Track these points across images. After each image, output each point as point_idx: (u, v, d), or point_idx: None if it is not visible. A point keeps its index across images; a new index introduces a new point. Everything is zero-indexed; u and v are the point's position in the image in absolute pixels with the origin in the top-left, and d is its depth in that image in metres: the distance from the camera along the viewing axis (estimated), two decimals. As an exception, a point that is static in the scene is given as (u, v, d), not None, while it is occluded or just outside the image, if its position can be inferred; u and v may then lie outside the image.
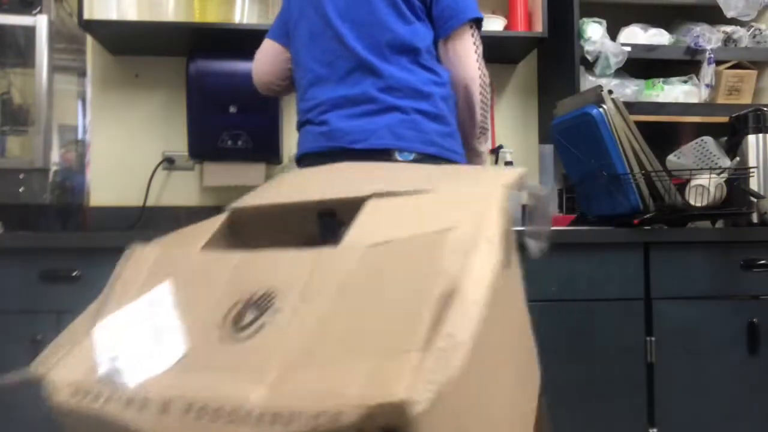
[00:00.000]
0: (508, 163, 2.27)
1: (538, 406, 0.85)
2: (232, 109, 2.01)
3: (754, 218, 1.86)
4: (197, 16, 2.05)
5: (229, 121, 2.01)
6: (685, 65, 2.24)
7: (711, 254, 1.74)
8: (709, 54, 2.18)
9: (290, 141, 2.25)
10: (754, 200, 1.85)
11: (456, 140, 1.43)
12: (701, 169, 1.80)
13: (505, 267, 0.70)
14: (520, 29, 2.19)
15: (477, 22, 1.45)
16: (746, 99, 2.26)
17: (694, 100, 2.21)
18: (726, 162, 1.82)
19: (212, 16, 2.04)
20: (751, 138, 1.90)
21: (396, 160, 1.35)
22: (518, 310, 0.83)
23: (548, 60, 2.33)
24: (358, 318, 0.58)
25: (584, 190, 1.88)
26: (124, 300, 0.71)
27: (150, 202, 2.15)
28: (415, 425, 0.48)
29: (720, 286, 1.74)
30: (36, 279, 1.58)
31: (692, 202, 1.75)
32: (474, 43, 1.44)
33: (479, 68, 1.44)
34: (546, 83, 2.35)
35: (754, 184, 1.87)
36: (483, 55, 1.46)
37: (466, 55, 1.43)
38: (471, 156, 1.53)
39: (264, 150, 2.09)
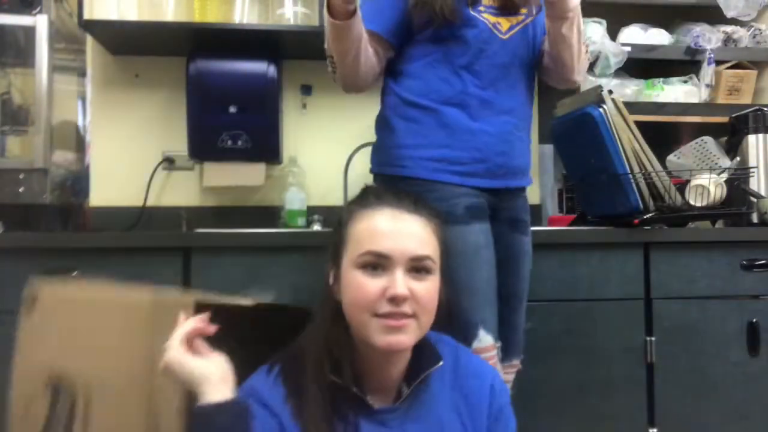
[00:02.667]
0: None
1: None
2: (232, 109, 2.01)
3: (754, 218, 1.86)
4: (197, 16, 2.05)
5: (229, 121, 2.01)
6: (685, 65, 2.24)
7: (711, 254, 1.74)
8: (709, 54, 2.18)
9: (290, 141, 2.25)
10: (754, 200, 1.85)
11: (384, 152, 1.41)
12: (701, 169, 1.80)
13: None
14: (520, 29, 2.17)
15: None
16: (746, 99, 2.27)
17: (694, 100, 2.21)
18: (726, 162, 1.82)
19: (212, 16, 2.04)
20: (751, 138, 1.90)
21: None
22: None
23: (548, 60, 2.32)
24: None
25: (584, 190, 1.88)
26: None
27: (150, 202, 2.14)
28: None
29: (720, 286, 1.74)
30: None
31: (692, 202, 1.75)
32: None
33: None
34: (546, 83, 2.34)
35: (754, 184, 1.87)
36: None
37: None
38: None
39: (264, 150, 2.09)
